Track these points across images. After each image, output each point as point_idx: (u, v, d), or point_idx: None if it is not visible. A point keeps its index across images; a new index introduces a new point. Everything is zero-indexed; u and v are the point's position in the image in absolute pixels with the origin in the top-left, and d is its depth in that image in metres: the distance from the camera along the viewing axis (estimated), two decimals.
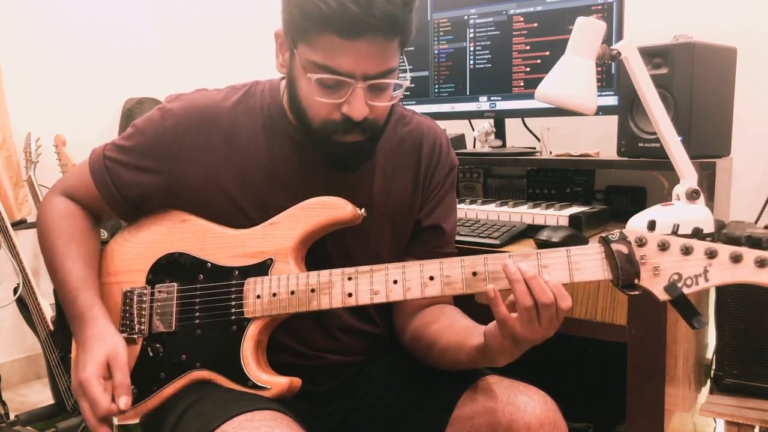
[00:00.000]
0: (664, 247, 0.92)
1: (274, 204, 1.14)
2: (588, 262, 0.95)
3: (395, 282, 1.02)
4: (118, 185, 1.19)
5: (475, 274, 0.99)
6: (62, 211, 1.22)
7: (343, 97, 1.03)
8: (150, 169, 1.17)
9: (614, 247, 0.93)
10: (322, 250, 1.15)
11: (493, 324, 0.97)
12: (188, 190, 1.17)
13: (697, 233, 0.93)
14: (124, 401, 1.05)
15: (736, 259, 0.89)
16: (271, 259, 1.11)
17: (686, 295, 0.90)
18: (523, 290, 0.92)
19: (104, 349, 1.08)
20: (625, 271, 0.92)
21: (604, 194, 1.75)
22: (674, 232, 0.92)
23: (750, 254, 0.88)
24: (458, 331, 1.08)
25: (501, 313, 0.93)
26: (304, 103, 1.07)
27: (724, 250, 0.89)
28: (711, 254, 0.90)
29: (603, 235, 0.95)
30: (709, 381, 1.68)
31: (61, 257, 1.18)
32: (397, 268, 1.02)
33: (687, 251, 0.91)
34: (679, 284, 0.91)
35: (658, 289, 0.92)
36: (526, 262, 0.95)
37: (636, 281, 0.92)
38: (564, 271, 0.95)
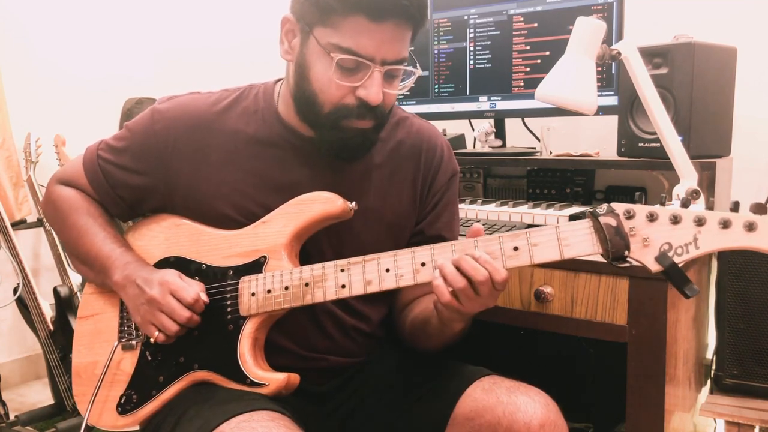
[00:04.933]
0: (652, 217, 0.91)
1: (266, 206, 1.13)
2: (577, 238, 0.94)
3: (387, 270, 1.02)
4: (113, 184, 1.20)
5: None
6: (71, 195, 1.24)
7: (360, 81, 1.04)
8: (141, 171, 1.18)
9: (603, 220, 0.92)
10: (320, 257, 1.14)
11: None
12: (180, 193, 1.17)
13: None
14: (204, 296, 1.10)
15: (725, 224, 0.87)
16: (264, 257, 1.11)
17: (677, 264, 0.90)
18: (452, 273, 0.96)
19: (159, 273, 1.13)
20: (614, 244, 0.91)
21: (604, 194, 1.75)
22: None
23: (739, 219, 0.87)
24: (424, 308, 1.15)
25: (443, 301, 0.99)
26: (317, 86, 1.07)
27: (713, 216, 0.88)
28: (700, 222, 0.89)
29: (591, 209, 0.94)
30: (709, 381, 1.68)
31: (86, 231, 1.19)
32: (389, 257, 1.03)
33: (676, 220, 0.90)
34: (670, 254, 0.90)
35: (648, 260, 0.91)
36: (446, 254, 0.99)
37: (626, 254, 0.92)
38: (554, 249, 0.95)
